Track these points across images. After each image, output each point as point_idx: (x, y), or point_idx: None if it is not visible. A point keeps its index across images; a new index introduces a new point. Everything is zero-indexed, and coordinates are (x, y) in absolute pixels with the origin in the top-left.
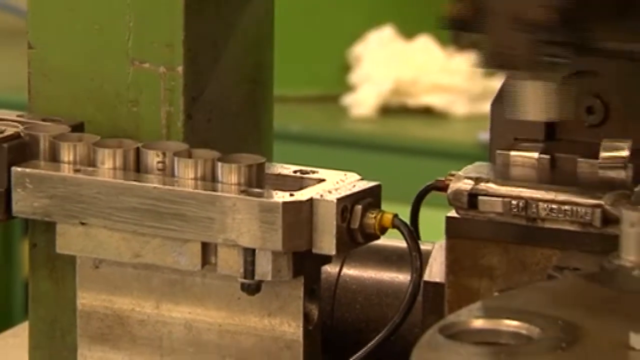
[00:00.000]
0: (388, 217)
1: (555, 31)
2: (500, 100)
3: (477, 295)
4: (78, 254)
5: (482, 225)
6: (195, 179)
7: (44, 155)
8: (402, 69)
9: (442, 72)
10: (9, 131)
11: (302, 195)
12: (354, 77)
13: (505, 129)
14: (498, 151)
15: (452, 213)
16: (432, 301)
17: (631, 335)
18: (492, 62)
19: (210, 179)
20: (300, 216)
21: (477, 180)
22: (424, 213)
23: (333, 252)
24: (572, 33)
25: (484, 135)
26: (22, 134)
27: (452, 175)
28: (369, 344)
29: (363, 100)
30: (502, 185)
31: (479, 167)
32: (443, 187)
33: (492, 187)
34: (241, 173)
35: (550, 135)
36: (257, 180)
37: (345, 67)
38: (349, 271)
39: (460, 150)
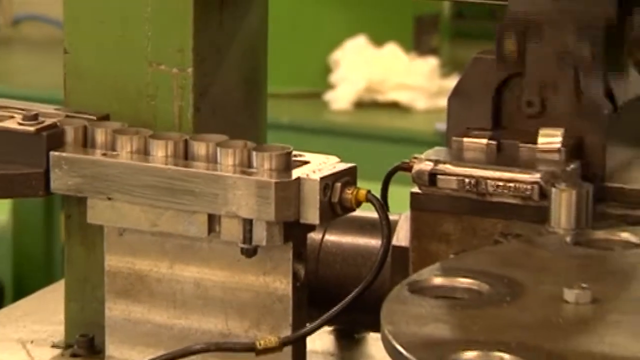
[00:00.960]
0: (362, 193)
1: None
2: (456, 95)
3: (436, 257)
4: (105, 223)
5: (440, 199)
6: (202, 161)
7: (76, 141)
8: (373, 71)
9: (406, 74)
10: (48, 122)
11: (290, 174)
12: (333, 77)
13: (459, 119)
14: (453, 138)
15: (415, 189)
16: (399, 262)
17: (565, 290)
18: None
19: (214, 161)
20: (290, 192)
21: (436, 162)
22: (392, 189)
23: (317, 222)
24: None
25: (441, 125)
26: (58, 124)
27: (415, 158)
28: (347, 298)
29: (341, 96)
30: (457, 166)
31: (437, 151)
32: (407, 168)
33: (448, 167)
34: (242, 156)
35: (496, 124)
36: (254, 162)
37: (326, 69)
38: (330, 237)
39: (421, 137)
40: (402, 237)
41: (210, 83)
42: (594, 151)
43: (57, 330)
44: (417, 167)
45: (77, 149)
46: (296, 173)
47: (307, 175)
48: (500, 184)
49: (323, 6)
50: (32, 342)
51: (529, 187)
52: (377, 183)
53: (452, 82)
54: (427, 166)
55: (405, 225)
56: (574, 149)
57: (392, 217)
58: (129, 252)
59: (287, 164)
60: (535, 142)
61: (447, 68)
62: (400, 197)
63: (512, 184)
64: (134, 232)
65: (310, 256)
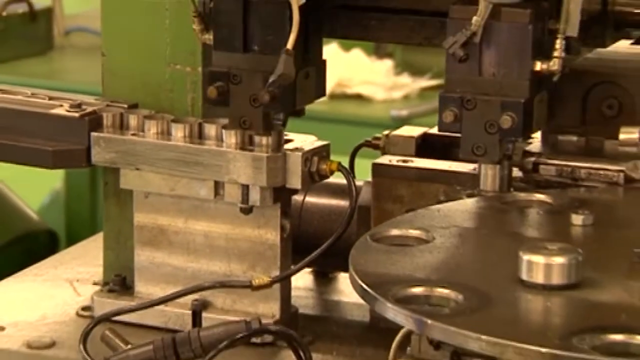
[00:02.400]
0: (334, 164)
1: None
2: None
3: (392, 214)
4: (134, 188)
5: (395, 169)
6: (211, 139)
7: (111, 124)
8: (343, 70)
9: (368, 72)
10: (89, 109)
11: (278, 150)
12: None
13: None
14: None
15: (376, 160)
16: (363, 218)
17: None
18: None
19: (221, 140)
20: (278, 163)
21: (538, 155)
22: (357, 162)
23: (299, 187)
24: None
25: (395, 112)
26: (97, 111)
27: (377, 138)
28: (323, 246)
29: None
30: (554, 157)
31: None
32: (370, 145)
33: (549, 161)
34: (240, 135)
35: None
36: (250, 140)
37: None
38: (310, 199)
39: (379, 122)
40: (365, 198)
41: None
42: None
43: (97, 271)
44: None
45: (112, 131)
46: (283, 149)
47: (292, 150)
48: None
49: None
50: (77, 280)
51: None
52: (345, 157)
53: (402, 79)
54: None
55: (368, 190)
56: None
57: (358, 183)
58: (152, 211)
59: (278, 142)
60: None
61: (399, 68)
62: (364, 168)
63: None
64: (156, 195)
65: (294, 214)
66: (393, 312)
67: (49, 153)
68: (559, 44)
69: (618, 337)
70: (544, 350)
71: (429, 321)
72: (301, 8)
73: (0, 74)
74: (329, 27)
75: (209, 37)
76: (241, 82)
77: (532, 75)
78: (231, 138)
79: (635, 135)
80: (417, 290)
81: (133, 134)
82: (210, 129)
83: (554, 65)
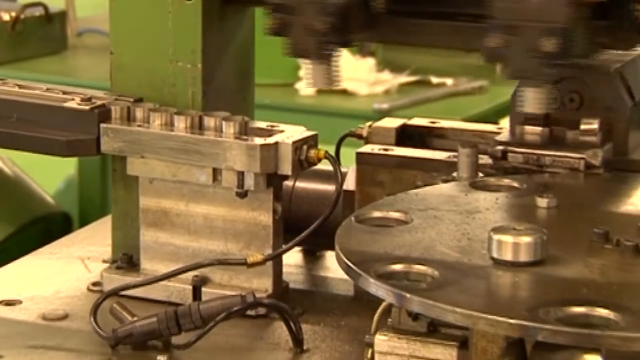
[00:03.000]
0: (322, 152)
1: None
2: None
3: (374, 198)
4: (140, 174)
5: (376, 157)
6: (211, 130)
7: (119, 116)
8: None
9: (352, 70)
10: (99, 102)
11: (271, 140)
12: (302, 72)
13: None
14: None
15: (360, 149)
16: (348, 202)
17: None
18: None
19: (219, 130)
20: (270, 152)
21: (507, 144)
22: (343, 150)
23: (289, 173)
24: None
25: (377, 105)
26: (106, 104)
27: (361, 128)
28: (311, 227)
29: (307, 87)
30: (521, 146)
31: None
32: (354, 135)
33: (516, 149)
34: (236, 126)
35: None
36: (245, 131)
37: (297, 67)
38: (299, 184)
39: (363, 114)
40: (350, 184)
41: (214, 75)
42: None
43: (106, 250)
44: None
45: (119, 122)
46: (275, 138)
47: (283, 140)
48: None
49: None
50: (88, 258)
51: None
52: (332, 146)
53: (384, 75)
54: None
55: (353, 176)
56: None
57: (343, 169)
58: (156, 195)
59: (270, 132)
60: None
61: (381, 66)
62: (348, 156)
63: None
64: (160, 181)
65: (285, 198)
66: (375, 287)
67: (62, 143)
68: None
69: (580, 310)
70: (512, 321)
71: (408, 295)
72: None
73: (18, 71)
74: (369, 32)
75: None
76: (298, 13)
77: (573, 3)
78: (230, 128)
79: (594, 126)
80: (397, 267)
81: (139, 125)
82: (209, 121)
83: None
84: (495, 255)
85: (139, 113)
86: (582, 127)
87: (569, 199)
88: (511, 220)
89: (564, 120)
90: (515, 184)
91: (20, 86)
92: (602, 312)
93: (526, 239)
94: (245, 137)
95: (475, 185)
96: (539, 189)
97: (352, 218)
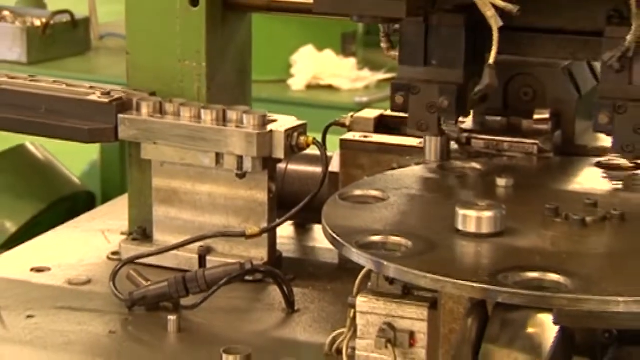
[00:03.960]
0: (310, 139)
1: None
2: None
3: (356, 178)
4: (152, 158)
5: (357, 143)
6: (214, 120)
7: (135, 108)
8: (317, 66)
9: (336, 68)
10: (117, 96)
11: (266, 128)
12: (293, 70)
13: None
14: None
15: (343, 136)
16: (333, 182)
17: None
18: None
19: (222, 120)
20: (266, 138)
21: (471, 132)
22: (328, 137)
23: (282, 157)
24: None
25: (358, 99)
26: (123, 98)
27: (344, 118)
28: (301, 204)
29: (298, 82)
30: (482, 133)
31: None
32: (338, 124)
33: (479, 136)
34: (239, 117)
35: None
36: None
37: (289, 65)
38: (291, 167)
39: (345, 107)
40: (335, 166)
41: (216, 72)
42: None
43: (124, 224)
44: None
45: (134, 113)
46: (270, 127)
47: (277, 128)
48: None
49: (288, 27)
50: (108, 231)
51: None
52: (319, 133)
53: (364, 73)
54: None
55: (337, 159)
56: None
57: (329, 154)
58: (167, 176)
59: (265, 122)
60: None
61: (361, 65)
62: (333, 142)
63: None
64: (170, 164)
65: (279, 178)
66: (357, 256)
67: (85, 131)
68: None
69: (534, 275)
70: (475, 285)
71: (385, 263)
72: (476, 29)
73: (48, 69)
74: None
75: (394, 54)
76: (419, 92)
77: None
78: (231, 118)
79: (546, 116)
80: (375, 238)
81: (151, 116)
82: (213, 112)
83: None
84: (460, 227)
85: (151, 105)
86: (535, 116)
87: (524, 179)
88: (474, 197)
89: (520, 111)
90: (478, 166)
91: (48, 82)
92: (554, 277)
93: (488, 214)
94: (243, 125)
95: (443, 167)
96: (499, 171)
97: (337, 196)
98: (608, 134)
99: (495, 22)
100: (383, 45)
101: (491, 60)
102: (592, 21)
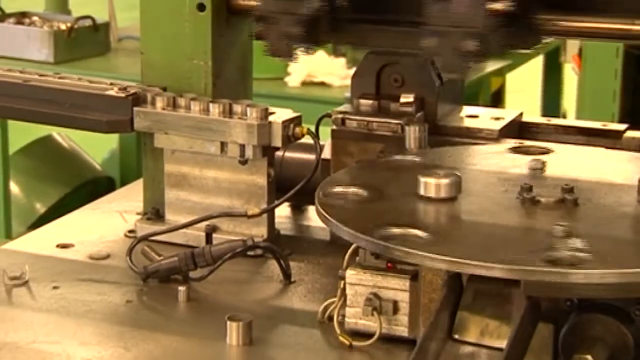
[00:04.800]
0: (305, 130)
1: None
2: (355, 76)
3: (345, 164)
4: (164, 147)
5: (346, 132)
6: (219, 112)
7: (149, 102)
8: (311, 65)
9: (328, 67)
10: (132, 91)
11: (266, 120)
12: (290, 69)
13: (356, 89)
14: (354, 100)
15: (334, 127)
16: (325, 168)
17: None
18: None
19: (228, 112)
20: (265, 129)
21: (345, 113)
22: (321, 129)
23: (280, 145)
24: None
25: (348, 94)
26: (138, 93)
27: (333, 112)
28: (296, 187)
29: (294, 79)
30: (356, 112)
31: (345, 108)
32: (329, 117)
33: (351, 117)
34: (242, 110)
35: (377, 92)
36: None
37: (286, 64)
38: (288, 154)
39: (336, 101)
40: (327, 153)
41: (221, 70)
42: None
43: (139, 205)
44: (335, 116)
45: (148, 106)
46: (268, 119)
47: (275, 120)
48: (382, 123)
49: None
50: (125, 211)
51: (397, 126)
52: (312, 124)
53: (352, 71)
54: (340, 115)
55: (328, 147)
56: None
57: (321, 143)
58: (177, 163)
59: (265, 114)
60: (397, 101)
61: (350, 64)
62: (325, 133)
63: (386, 123)
64: (180, 152)
65: (277, 164)
66: (346, 234)
67: (104, 122)
68: None
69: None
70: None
71: (370, 239)
72: None
73: (72, 68)
74: (332, 36)
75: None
76: (276, 22)
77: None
78: (235, 111)
79: (410, 99)
80: (348, 192)
81: (163, 109)
82: (219, 105)
83: (507, 4)
84: (422, 192)
85: (163, 99)
86: (401, 100)
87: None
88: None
89: (391, 96)
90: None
91: (72, 79)
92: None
93: (444, 180)
94: (246, 117)
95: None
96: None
97: (328, 180)
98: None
99: None
100: None
101: None
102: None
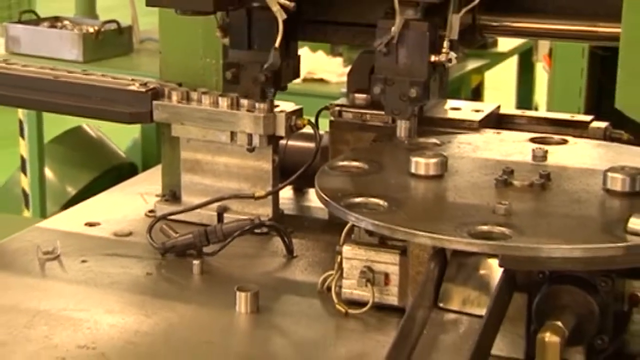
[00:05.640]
0: (305, 121)
1: None
2: (350, 73)
3: (342, 152)
4: (181, 135)
5: (342, 123)
6: (228, 104)
7: (166, 96)
8: (311, 64)
9: (326, 65)
10: (152, 86)
11: (271, 112)
12: None
13: (351, 85)
14: (350, 94)
15: (331, 118)
16: (324, 154)
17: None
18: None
19: (236, 105)
20: (270, 120)
21: (341, 106)
22: (320, 120)
23: (283, 135)
24: None
25: (343, 90)
26: (157, 88)
27: (331, 105)
28: (298, 172)
29: None
30: (351, 105)
31: (342, 101)
32: (327, 109)
33: (346, 108)
34: (250, 103)
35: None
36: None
37: None
38: (290, 142)
39: (333, 95)
40: (325, 142)
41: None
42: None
43: (158, 188)
44: (333, 109)
45: (166, 100)
46: (273, 111)
47: (279, 112)
48: (369, 115)
49: None
50: (146, 193)
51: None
52: (312, 116)
53: (348, 69)
54: (337, 108)
55: (327, 137)
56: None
57: (320, 132)
58: (192, 150)
59: (270, 107)
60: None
61: (346, 63)
62: (324, 123)
63: (370, 115)
64: (194, 140)
65: (281, 152)
66: (342, 213)
67: (127, 114)
68: (445, 44)
69: (486, 228)
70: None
71: (363, 218)
72: (283, 21)
73: (99, 67)
74: (301, 34)
75: (226, 40)
76: (246, 69)
77: (429, 64)
78: (243, 104)
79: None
80: (358, 199)
81: (179, 102)
82: (228, 99)
83: (443, 57)
84: (413, 171)
85: (178, 94)
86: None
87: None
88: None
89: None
90: (437, 141)
91: (98, 76)
92: (500, 229)
93: (432, 160)
94: (252, 109)
95: (412, 143)
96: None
97: (326, 166)
98: (381, 102)
99: (280, 15)
100: (218, 34)
101: (276, 44)
102: (374, 16)
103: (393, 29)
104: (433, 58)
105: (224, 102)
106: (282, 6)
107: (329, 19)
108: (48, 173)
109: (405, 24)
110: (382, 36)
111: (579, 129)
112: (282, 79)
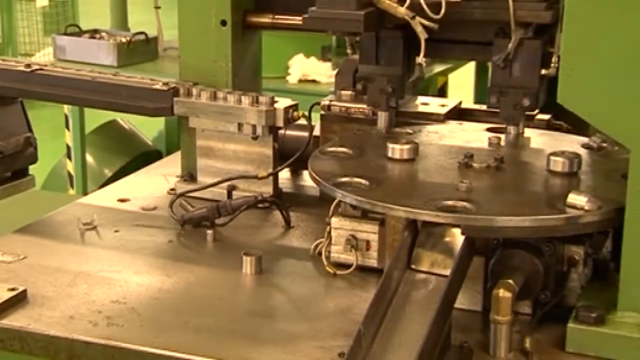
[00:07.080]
0: (300, 114)
1: None
2: (337, 74)
3: (331, 139)
4: (196, 126)
5: (331, 116)
6: (236, 99)
7: (184, 93)
8: (305, 68)
9: (318, 69)
10: (172, 85)
11: (271, 107)
12: (290, 70)
13: (338, 84)
14: (337, 92)
15: (322, 112)
16: (316, 142)
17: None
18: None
19: (241, 101)
20: (271, 114)
21: (330, 101)
22: (313, 113)
23: (282, 126)
24: None
25: (332, 89)
26: (177, 86)
27: (322, 101)
28: (294, 156)
29: (292, 78)
30: (338, 101)
31: (331, 98)
32: (319, 104)
33: (334, 103)
34: (254, 99)
35: (354, 86)
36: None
37: (287, 67)
38: (288, 132)
39: (324, 93)
40: (317, 131)
41: (238, 70)
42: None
43: (178, 170)
44: (323, 103)
45: (184, 97)
46: (274, 106)
47: (278, 107)
48: (355, 109)
49: (286, 41)
50: (168, 175)
51: (369, 111)
52: (306, 110)
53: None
54: (326, 102)
55: (318, 127)
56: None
57: (313, 124)
58: (206, 139)
59: (271, 102)
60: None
61: (334, 66)
62: (316, 116)
63: (361, 110)
64: (208, 130)
65: (280, 140)
66: (331, 191)
67: (151, 109)
68: (554, 59)
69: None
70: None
71: (348, 195)
72: (410, 40)
73: (130, 71)
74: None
75: (356, 57)
76: (374, 81)
77: (540, 77)
78: (249, 100)
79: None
80: (344, 179)
81: (195, 99)
82: (236, 96)
83: (553, 71)
84: (389, 155)
85: (195, 91)
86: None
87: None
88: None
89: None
90: (410, 131)
91: (126, 76)
92: (462, 204)
93: (406, 147)
94: (256, 104)
95: (389, 133)
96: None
97: (318, 151)
98: (497, 109)
99: (422, 35)
100: (349, 50)
101: (420, 60)
102: (484, 35)
103: (509, 46)
104: (543, 72)
105: (232, 99)
106: (425, 27)
107: (446, 38)
108: (88, 158)
109: (519, 42)
110: (498, 53)
111: (526, 120)
112: (405, 88)
